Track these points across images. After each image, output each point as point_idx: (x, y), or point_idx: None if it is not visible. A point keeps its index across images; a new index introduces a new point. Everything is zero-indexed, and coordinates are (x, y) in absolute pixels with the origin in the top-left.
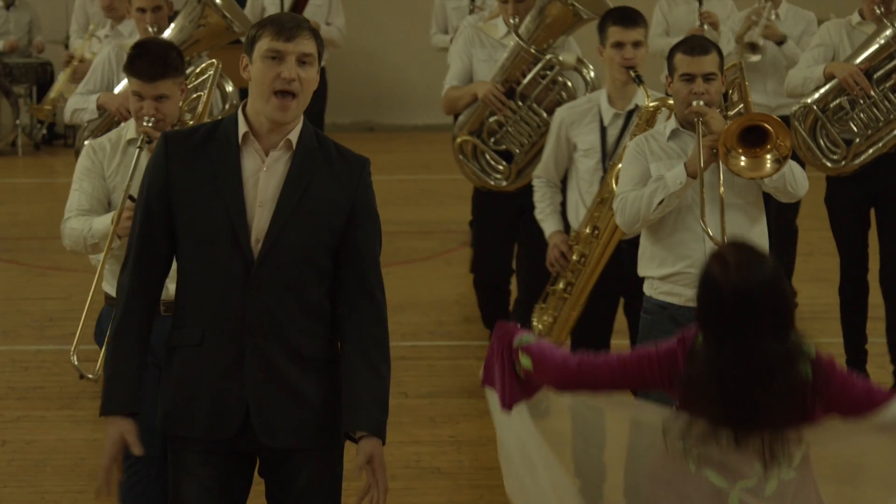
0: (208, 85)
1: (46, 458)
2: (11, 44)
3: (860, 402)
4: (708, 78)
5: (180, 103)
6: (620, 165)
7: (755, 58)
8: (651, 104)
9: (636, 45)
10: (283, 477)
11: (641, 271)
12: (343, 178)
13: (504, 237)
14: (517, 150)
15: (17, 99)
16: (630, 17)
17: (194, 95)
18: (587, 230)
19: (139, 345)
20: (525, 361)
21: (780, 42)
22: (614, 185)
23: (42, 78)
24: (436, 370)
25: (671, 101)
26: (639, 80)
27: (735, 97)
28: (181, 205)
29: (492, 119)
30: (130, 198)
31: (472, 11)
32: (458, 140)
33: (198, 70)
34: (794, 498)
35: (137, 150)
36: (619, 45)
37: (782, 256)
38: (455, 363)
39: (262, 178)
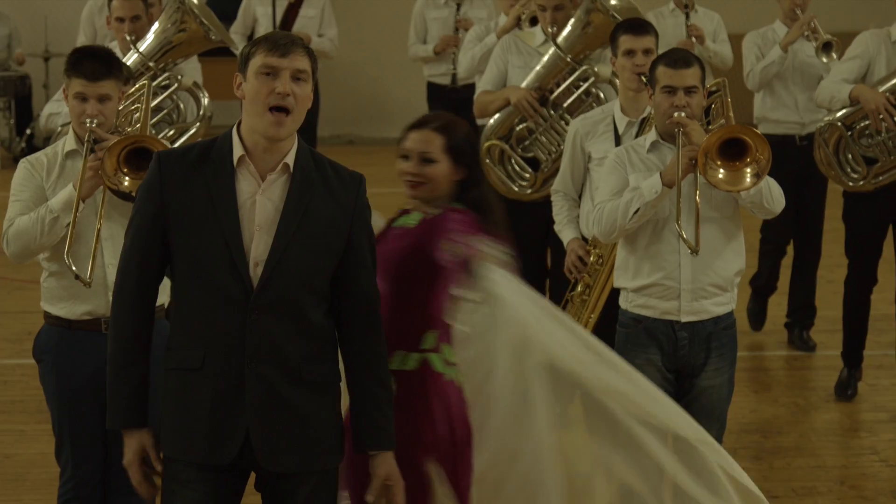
0: (143, 100)
1: (25, 472)
2: None
3: None
4: (689, 91)
5: (119, 108)
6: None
7: (831, 59)
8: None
9: (647, 52)
10: (280, 494)
11: (617, 282)
12: (340, 199)
13: (537, 247)
14: (545, 158)
15: None
16: (640, 26)
17: (133, 107)
18: None
19: (139, 358)
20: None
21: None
22: None
23: (21, 91)
24: None
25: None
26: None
27: (717, 112)
28: (177, 228)
29: (521, 126)
30: (92, 150)
31: (456, 22)
32: (487, 144)
33: (161, 79)
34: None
35: (85, 150)
36: (630, 52)
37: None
38: None
39: (259, 202)
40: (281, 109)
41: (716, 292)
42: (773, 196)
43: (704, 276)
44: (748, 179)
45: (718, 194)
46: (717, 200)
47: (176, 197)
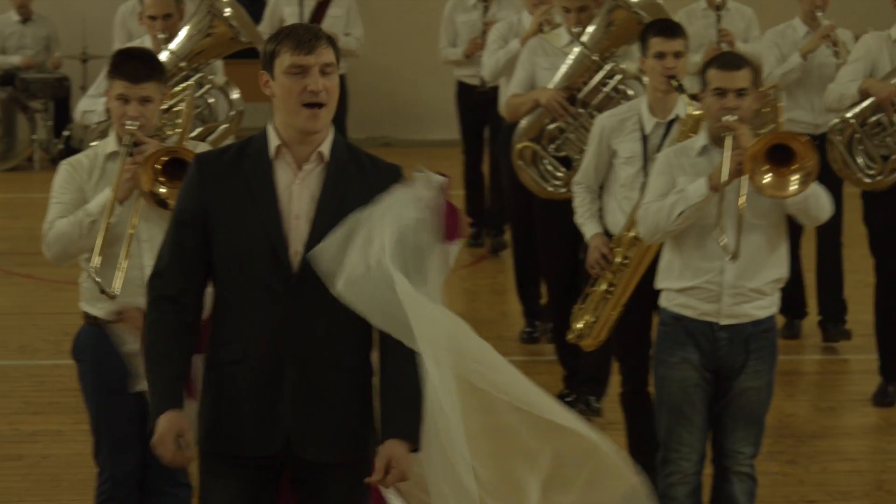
0: (187, 102)
1: (62, 472)
2: (28, 61)
3: None
4: (740, 93)
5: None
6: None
7: None
8: (695, 112)
9: (677, 55)
10: (314, 491)
11: (659, 283)
12: (377, 188)
13: (569, 244)
14: (576, 157)
15: (33, 114)
16: (671, 29)
17: (176, 109)
18: (630, 234)
19: (174, 356)
20: None
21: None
22: None
23: (59, 93)
24: None
25: None
26: (680, 89)
27: (767, 117)
28: (218, 225)
29: (552, 125)
30: (129, 153)
31: (484, 25)
32: (518, 146)
33: (195, 79)
34: None
35: (123, 153)
36: (660, 55)
37: None
38: None
39: (296, 191)
40: (315, 105)
41: (757, 297)
42: (821, 203)
43: (747, 282)
44: (793, 186)
45: (765, 202)
46: (763, 208)
47: (215, 194)
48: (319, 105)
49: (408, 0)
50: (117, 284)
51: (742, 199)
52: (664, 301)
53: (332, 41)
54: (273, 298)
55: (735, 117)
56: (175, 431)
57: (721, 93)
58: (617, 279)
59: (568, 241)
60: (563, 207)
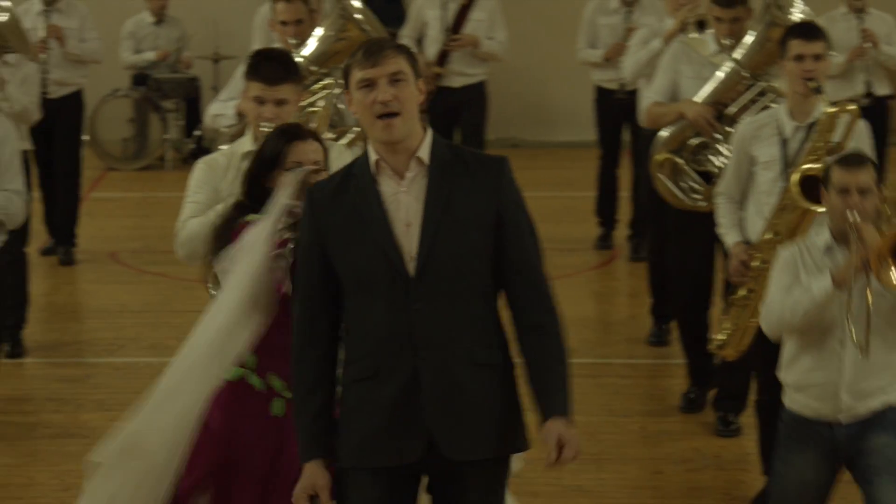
0: (323, 102)
1: None
2: (162, 54)
3: None
4: (863, 191)
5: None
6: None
7: None
8: (830, 110)
9: (817, 57)
10: (453, 493)
11: (780, 374)
12: (483, 183)
13: (704, 250)
14: (718, 172)
15: (165, 114)
16: (811, 31)
17: (311, 110)
18: (769, 235)
19: (316, 392)
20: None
21: None
22: (796, 191)
23: (190, 93)
24: (578, 387)
25: (851, 107)
26: (818, 91)
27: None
28: (333, 249)
29: (695, 140)
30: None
31: (627, 30)
32: (659, 157)
33: (325, 83)
34: None
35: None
36: (799, 57)
37: None
38: (597, 381)
39: (403, 199)
40: (388, 115)
41: (877, 392)
42: None
43: (865, 381)
44: None
45: (886, 303)
46: (885, 309)
47: (326, 220)
48: (392, 114)
49: (538, 2)
50: None
51: (870, 297)
52: (785, 399)
53: (404, 50)
54: (396, 307)
55: (858, 216)
56: (312, 489)
57: (844, 191)
58: (756, 284)
59: (701, 249)
60: (698, 217)
